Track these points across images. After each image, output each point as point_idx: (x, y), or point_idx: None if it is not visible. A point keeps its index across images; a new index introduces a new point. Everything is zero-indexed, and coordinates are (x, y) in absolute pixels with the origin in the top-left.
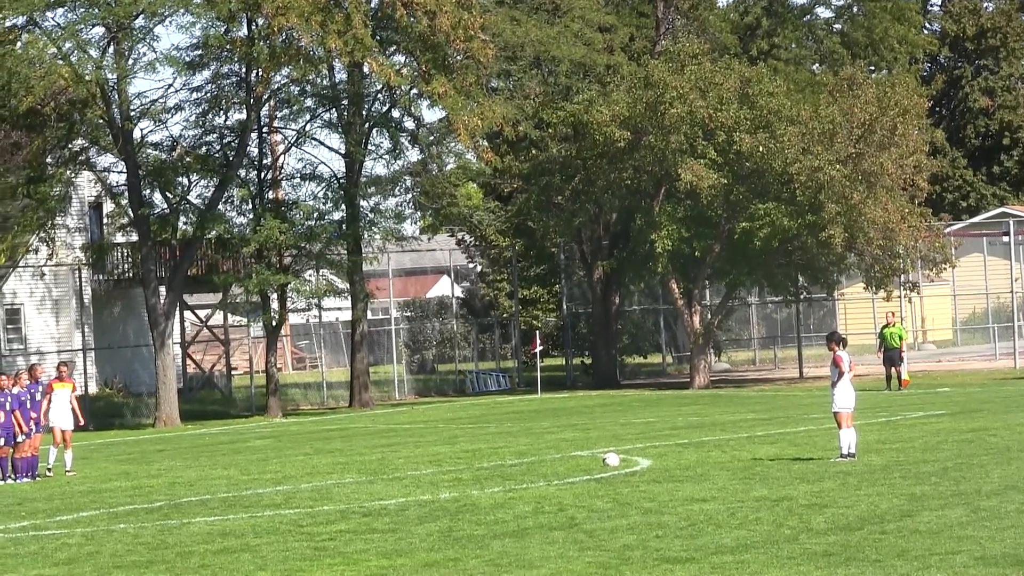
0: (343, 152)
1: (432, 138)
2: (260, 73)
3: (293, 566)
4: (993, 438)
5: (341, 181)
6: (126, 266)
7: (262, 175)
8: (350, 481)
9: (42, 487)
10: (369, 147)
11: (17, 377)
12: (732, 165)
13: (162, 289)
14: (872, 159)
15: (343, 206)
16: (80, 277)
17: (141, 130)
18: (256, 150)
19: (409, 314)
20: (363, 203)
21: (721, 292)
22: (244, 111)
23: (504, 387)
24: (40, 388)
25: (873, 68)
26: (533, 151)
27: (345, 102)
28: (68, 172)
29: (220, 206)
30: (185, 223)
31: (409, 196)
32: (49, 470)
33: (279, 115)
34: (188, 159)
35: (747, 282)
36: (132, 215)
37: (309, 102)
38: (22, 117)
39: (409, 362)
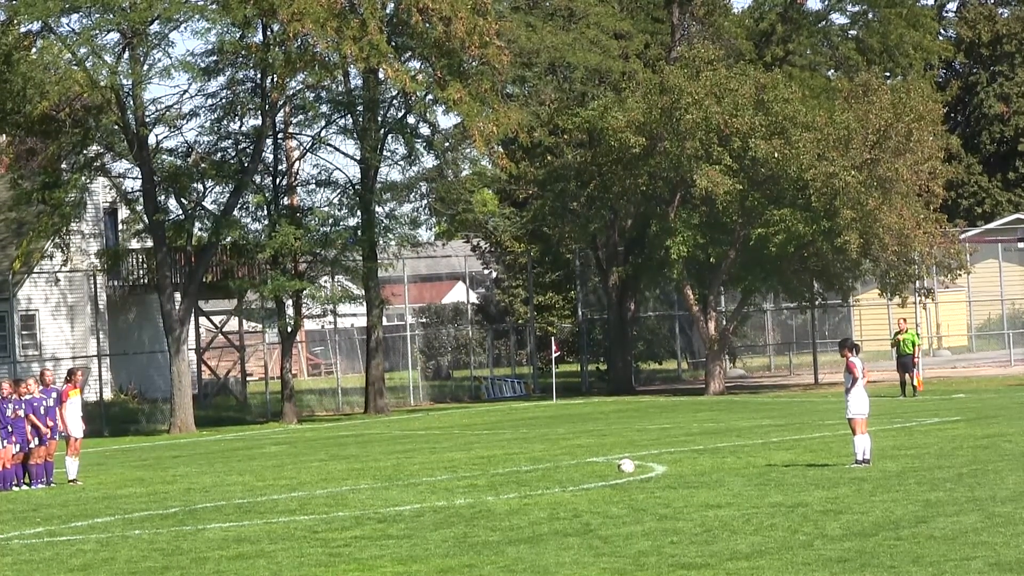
0: (358, 158)
1: (447, 144)
2: (275, 79)
3: (308, 572)
4: (1008, 444)
5: (356, 187)
6: (141, 272)
7: (277, 181)
8: (365, 487)
9: (57, 493)
10: (384, 153)
11: (27, 383)
12: (747, 171)
13: (177, 295)
14: (887, 165)
15: (358, 212)
16: (95, 283)
17: (156, 136)
18: (271, 156)
19: (424, 320)
20: (378, 209)
21: (736, 298)
22: (259, 117)
23: (519, 393)
24: (54, 394)
25: (888, 74)
26: (548, 157)
27: (360, 108)
28: (83, 178)
29: (235, 212)
30: (200, 229)
31: (424, 202)
32: (71, 480)
33: (294, 121)
34: (203, 165)
35: (762, 288)
36: (147, 221)
37: (324, 108)
38: (37, 123)
39: (424, 368)
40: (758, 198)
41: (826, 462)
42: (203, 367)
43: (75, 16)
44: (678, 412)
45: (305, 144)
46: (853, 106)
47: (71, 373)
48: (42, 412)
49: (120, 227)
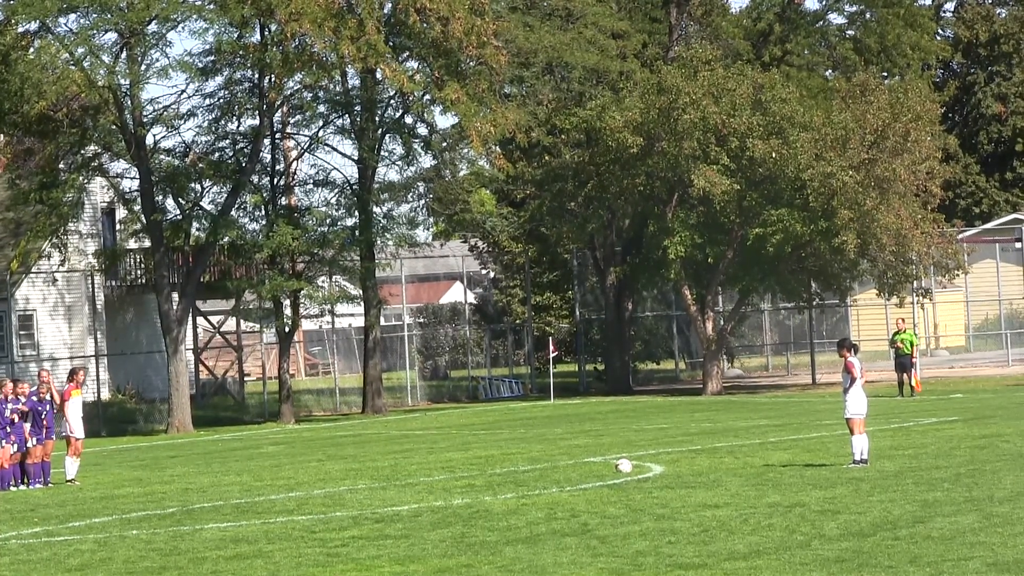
0: (356, 158)
1: (445, 144)
2: (273, 79)
3: (306, 572)
4: (1006, 444)
5: (354, 187)
6: (139, 272)
7: (275, 181)
8: (363, 487)
9: (55, 493)
10: (382, 153)
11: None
12: (745, 171)
13: (175, 295)
14: (885, 165)
15: (356, 212)
16: (93, 283)
17: (154, 136)
18: (269, 156)
19: (422, 320)
20: (376, 209)
21: (734, 298)
22: (257, 117)
23: (517, 393)
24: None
25: (886, 74)
26: (546, 157)
27: (358, 108)
28: (81, 178)
29: (233, 212)
30: (198, 229)
31: (422, 202)
32: (70, 480)
33: (292, 121)
34: (201, 165)
35: (760, 288)
36: (145, 221)
37: (322, 108)
38: (35, 123)
39: (422, 368)
40: (756, 198)
41: (824, 462)
42: (201, 367)
43: (73, 16)
44: (676, 412)
45: (303, 144)
46: (851, 106)
47: (73, 373)
48: (42, 414)
49: (118, 227)
